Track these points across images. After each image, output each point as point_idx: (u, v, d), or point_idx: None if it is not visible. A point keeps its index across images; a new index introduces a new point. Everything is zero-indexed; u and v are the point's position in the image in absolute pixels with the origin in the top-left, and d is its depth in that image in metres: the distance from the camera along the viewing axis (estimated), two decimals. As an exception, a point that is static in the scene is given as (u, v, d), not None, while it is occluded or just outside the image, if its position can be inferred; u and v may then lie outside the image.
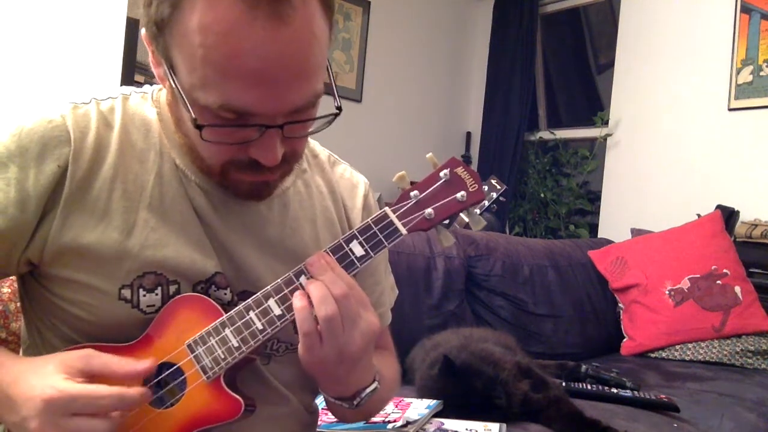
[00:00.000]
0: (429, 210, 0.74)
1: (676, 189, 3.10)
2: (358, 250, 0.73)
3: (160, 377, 0.74)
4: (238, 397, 0.73)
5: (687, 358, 2.22)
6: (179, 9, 0.62)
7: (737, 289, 2.28)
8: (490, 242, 2.23)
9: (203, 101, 0.64)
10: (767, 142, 2.83)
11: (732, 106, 2.94)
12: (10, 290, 1.18)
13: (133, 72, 2.73)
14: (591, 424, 1.33)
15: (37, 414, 0.63)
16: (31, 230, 0.72)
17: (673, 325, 2.26)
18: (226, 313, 0.73)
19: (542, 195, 3.74)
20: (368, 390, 0.78)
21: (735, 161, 2.92)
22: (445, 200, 0.74)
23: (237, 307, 0.73)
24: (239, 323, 0.73)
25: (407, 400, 1.35)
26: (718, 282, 2.29)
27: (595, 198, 3.61)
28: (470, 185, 0.74)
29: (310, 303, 0.70)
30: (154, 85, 0.83)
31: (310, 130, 0.73)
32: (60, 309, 0.75)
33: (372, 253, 0.73)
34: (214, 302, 0.75)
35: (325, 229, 0.88)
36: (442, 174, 0.74)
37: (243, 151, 0.69)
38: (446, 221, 0.76)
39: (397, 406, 1.31)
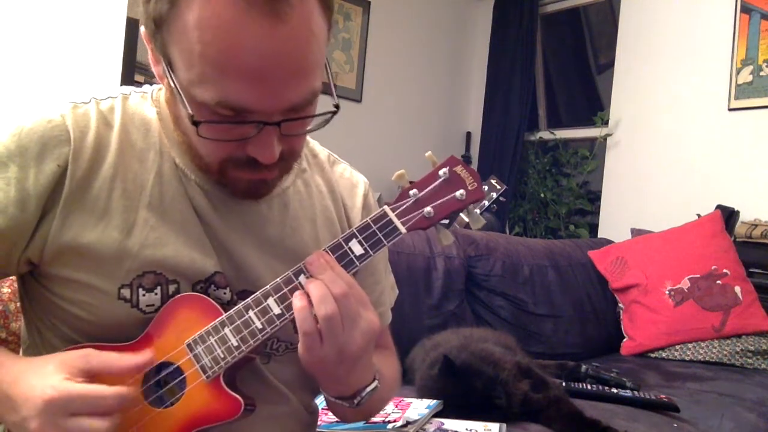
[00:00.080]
0: (428, 208, 0.73)
1: (676, 189, 3.10)
2: (357, 248, 0.73)
3: (159, 376, 0.74)
4: (237, 396, 0.73)
5: (687, 358, 2.22)
6: (177, 5, 0.63)
7: (737, 289, 2.28)
8: (490, 242, 2.23)
9: (200, 98, 0.64)
10: (767, 142, 2.83)
11: (732, 106, 2.94)
12: (10, 290, 1.18)
13: (133, 72, 2.73)
14: (591, 424, 1.33)
15: (37, 414, 0.63)
16: (31, 230, 0.72)
17: (673, 325, 2.26)
18: (226, 312, 0.73)
19: (542, 195, 3.74)
20: (368, 389, 0.78)
21: (735, 161, 2.92)
22: (445, 199, 0.74)
23: (236, 307, 0.73)
24: (238, 322, 0.72)
25: (407, 400, 1.35)
26: (718, 282, 2.29)
27: (595, 198, 3.60)
28: (469, 184, 0.74)
29: (310, 302, 0.70)
30: (154, 85, 0.83)
31: (308, 128, 0.73)
32: (60, 309, 0.75)
33: (371, 252, 0.73)
34: (213, 302, 0.75)
35: (324, 229, 0.88)
36: (441, 172, 0.74)
37: (241, 149, 0.69)
38: (446, 221, 0.76)
39: (397, 406, 1.31)
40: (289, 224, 0.84)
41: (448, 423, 1.28)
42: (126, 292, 0.73)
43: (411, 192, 0.74)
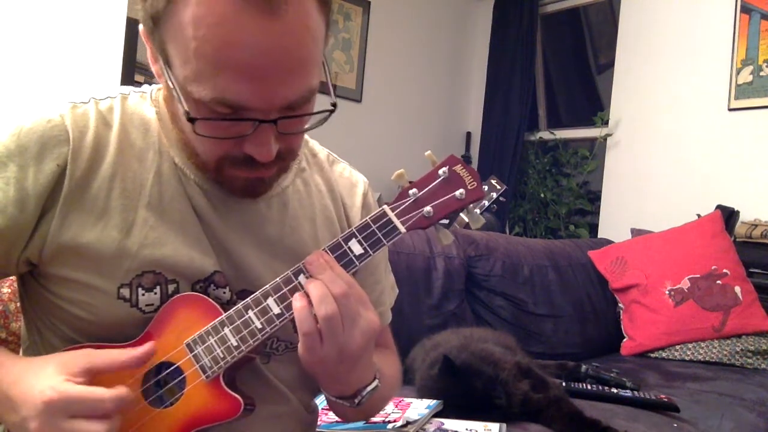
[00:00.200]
0: (428, 208, 0.73)
1: (676, 189, 3.10)
2: (356, 248, 0.73)
3: (159, 376, 0.74)
4: (237, 396, 0.73)
5: (687, 358, 2.22)
6: (173, 2, 0.63)
7: (737, 289, 2.28)
8: (490, 242, 2.23)
9: (196, 94, 0.64)
10: (767, 142, 2.83)
11: (732, 106, 2.93)
12: (10, 290, 1.18)
13: (133, 72, 2.73)
14: (591, 424, 1.33)
15: (37, 415, 0.63)
16: (30, 229, 0.72)
17: (673, 325, 2.26)
18: (225, 312, 0.73)
19: (542, 195, 3.74)
20: (369, 388, 0.78)
21: (735, 161, 2.91)
22: (444, 198, 0.74)
23: (236, 306, 0.73)
24: (238, 322, 0.72)
25: (407, 400, 1.35)
26: (718, 282, 2.29)
27: (595, 198, 3.60)
28: (469, 183, 0.74)
29: (310, 303, 0.70)
30: (153, 85, 0.83)
31: (305, 126, 0.72)
32: (59, 308, 0.75)
33: (371, 252, 0.73)
34: (213, 301, 0.75)
35: (324, 228, 0.88)
36: (440, 172, 0.74)
37: (237, 147, 0.69)
38: (446, 221, 0.76)
39: (397, 406, 1.31)
40: (289, 223, 0.84)
41: (448, 423, 1.28)
42: (125, 292, 0.73)
43: (410, 191, 0.74)
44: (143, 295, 0.74)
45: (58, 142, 0.72)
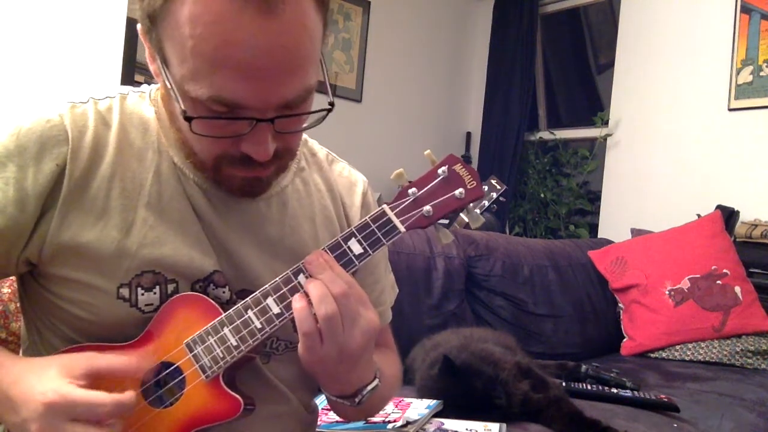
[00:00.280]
0: (427, 207, 0.73)
1: (676, 189, 3.10)
2: (356, 248, 0.73)
3: (159, 376, 0.74)
4: (237, 396, 0.73)
5: (687, 358, 2.22)
6: (170, 0, 0.63)
7: (737, 289, 2.28)
8: (490, 242, 2.23)
9: (193, 93, 0.64)
10: (767, 142, 2.83)
11: (732, 106, 2.93)
12: (10, 290, 1.18)
13: (133, 72, 2.73)
14: (591, 424, 1.33)
15: (38, 417, 0.63)
16: (29, 229, 0.72)
17: (673, 325, 2.26)
18: (225, 312, 0.73)
19: (542, 195, 3.74)
20: (369, 387, 0.78)
21: (735, 161, 2.91)
22: (444, 197, 0.73)
23: (235, 306, 0.73)
24: (238, 322, 0.72)
25: (407, 400, 1.35)
26: (718, 282, 2.29)
27: (595, 198, 3.60)
28: (468, 182, 0.74)
29: (309, 303, 0.70)
30: (152, 85, 0.83)
31: (303, 126, 0.72)
32: (59, 308, 0.75)
33: (370, 251, 0.73)
34: (212, 301, 0.75)
35: (323, 228, 0.88)
36: (440, 171, 0.74)
37: (235, 146, 0.69)
38: (446, 221, 0.76)
39: (397, 406, 1.31)
40: (288, 223, 0.84)
41: (448, 423, 1.28)
42: (125, 292, 0.73)
43: (410, 191, 0.74)
44: (143, 294, 0.74)
45: (57, 142, 0.72)
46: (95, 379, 0.67)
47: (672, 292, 2.31)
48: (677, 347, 2.25)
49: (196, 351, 0.73)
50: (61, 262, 0.73)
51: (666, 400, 1.59)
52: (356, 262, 0.73)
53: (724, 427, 1.58)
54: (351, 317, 0.70)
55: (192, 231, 0.77)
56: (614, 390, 1.64)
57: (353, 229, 0.74)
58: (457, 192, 0.73)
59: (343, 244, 0.73)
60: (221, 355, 0.72)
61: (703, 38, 3.06)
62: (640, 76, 3.32)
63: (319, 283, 0.70)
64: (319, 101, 0.71)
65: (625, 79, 3.40)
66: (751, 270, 2.43)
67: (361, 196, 0.94)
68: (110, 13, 2.52)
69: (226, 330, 0.72)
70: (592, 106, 3.82)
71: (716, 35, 3.00)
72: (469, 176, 0.74)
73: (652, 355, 2.28)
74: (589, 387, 1.64)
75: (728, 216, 2.70)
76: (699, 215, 2.67)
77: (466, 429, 1.25)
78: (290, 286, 0.72)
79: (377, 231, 0.73)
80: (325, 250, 0.73)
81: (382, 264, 0.97)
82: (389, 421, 1.20)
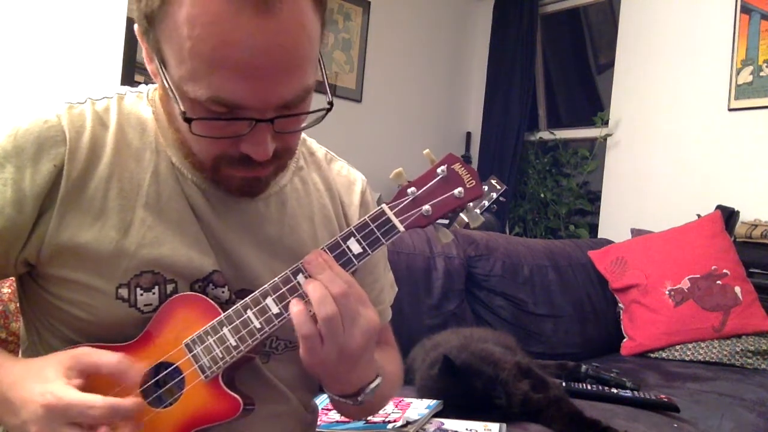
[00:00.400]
0: (426, 207, 0.73)
1: (676, 189, 3.09)
2: (355, 247, 0.73)
3: (158, 377, 0.74)
4: (236, 396, 0.73)
5: (687, 358, 2.22)
6: (167, 2, 0.63)
7: (737, 289, 2.28)
8: (490, 242, 2.23)
9: (192, 94, 0.64)
10: (767, 142, 2.83)
11: (732, 106, 2.93)
12: (10, 290, 1.18)
13: (133, 72, 2.73)
14: (591, 424, 1.33)
15: (36, 419, 0.63)
16: (28, 230, 0.72)
17: (673, 325, 2.26)
18: (224, 312, 0.73)
19: (542, 195, 3.74)
20: (371, 386, 0.78)
21: (735, 161, 2.91)
22: (443, 197, 0.73)
23: (234, 306, 0.73)
24: (237, 322, 0.72)
25: (407, 400, 1.35)
26: (718, 282, 2.29)
27: (595, 198, 3.60)
28: (468, 181, 0.74)
29: (307, 305, 0.69)
30: (150, 85, 0.83)
31: (302, 125, 0.72)
32: (58, 309, 0.75)
33: (369, 251, 0.73)
34: (212, 301, 0.75)
35: (322, 227, 0.88)
36: (439, 170, 0.74)
37: (234, 146, 0.69)
38: (446, 221, 0.76)
39: (397, 406, 1.31)
40: (287, 223, 0.84)
41: (448, 423, 1.28)
42: (124, 292, 0.73)
43: (409, 190, 0.74)
44: (142, 295, 0.74)
45: (54, 143, 0.72)
46: (96, 379, 0.67)
47: (672, 292, 2.31)
48: (677, 347, 2.25)
49: (195, 351, 0.73)
50: (60, 263, 0.73)
51: (666, 400, 1.59)
52: (355, 262, 0.73)
53: (724, 427, 1.58)
54: (351, 317, 0.70)
55: (191, 231, 0.77)
56: (614, 390, 1.64)
57: (352, 229, 0.73)
58: (456, 191, 0.73)
59: (342, 244, 0.73)
60: (220, 355, 0.72)
61: (703, 38, 3.06)
62: (640, 76, 3.32)
63: (318, 284, 0.70)
64: (318, 101, 0.71)
65: (625, 79, 3.40)
66: (751, 270, 2.42)
67: (359, 194, 0.94)
68: (110, 14, 2.52)
69: (225, 330, 0.72)
70: (592, 106, 3.82)
71: (716, 35, 3.00)
72: (469, 175, 0.74)
73: (652, 355, 2.28)
74: (589, 387, 1.64)
75: (728, 216, 2.70)
76: (699, 215, 2.67)
77: (466, 429, 1.25)
78: (289, 286, 0.72)
79: (376, 230, 0.73)
80: (324, 250, 0.73)
81: (381, 263, 0.97)
82: (389, 421, 1.20)
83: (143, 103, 0.80)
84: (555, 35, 4.12)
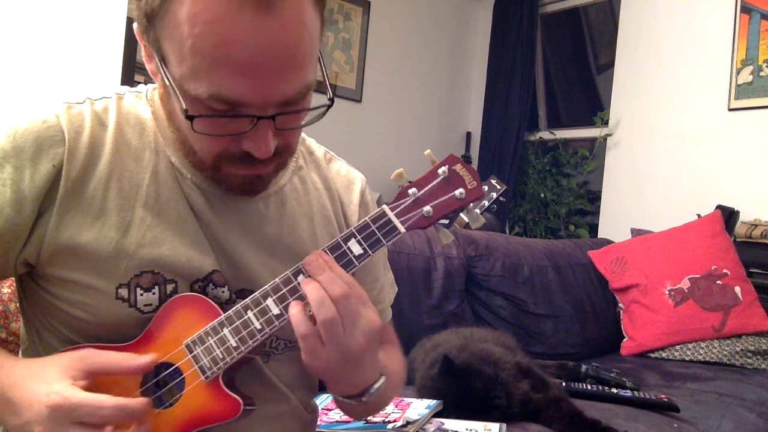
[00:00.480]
0: (427, 208, 0.73)
1: (676, 189, 3.10)
2: (356, 248, 0.73)
3: (158, 377, 0.73)
4: (236, 396, 0.73)
5: (687, 358, 2.22)
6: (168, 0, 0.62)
7: (737, 289, 2.28)
8: (490, 242, 2.23)
9: (193, 92, 0.64)
10: (767, 142, 2.83)
11: (732, 106, 2.93)
12: (10, 290, 1.18)
13: (133, 72, 2.73)
14: (591, 424, 1.33)
15: (41, 420, 0.63)
16: (27, 230, 0.72)
17: (673, 325, 2.26)
18: (225, 311, 0.73)
19: (542, 195, 3.74)
20: (376, 386, 0.78)
21: (735, 161, 2.91)
22: (444, 198, 0.73)
23: (235, 307, 0.73)
24: (237, 323, 0.72)
25: (407, 400, 1.35)
26: (718, 282, 2.29)
27: (595, 198, 3.60)
28: (469, 182, 0.74)
29: (307, 305, 0.69)
30: (148, 85, 0.83)
31: (303, 122, 0.72)
32: (58, 309, 0.75)
33: (370, 252, 0.73)
34: (212, 302, 0.75)
35: (321, 226, 0.88)
36: (440, 171, 0.74)
37: (235, 144, 0.69)
38: (446, 221, 0.76)
39: (397, 406, 1.31)
40: (287, 222, 0.84)
41: (448, 423, 1.28)
42: (124, 292, 0.73)
43: (410, 191, 0.74)
44: (142, 295, 0.74)
45: (53, 143, 0.72)
46: (96, 379, 0.67)
47: (672, 292, 2.31)
48: (677, 347, 2.25)
49: (195, 352, 0.73)
50: (60, 263, 0.73)
51: (666, 400, 1.59)
52: (356, 263, 0.73)
53: (724, 427, 1.58)
54: (352, 319, 0.70)
55: (190, 231, 0.77)
56: (614, 390, 1.64)
57: (353, 230, 0.73)
58: (457, 192, 0.73)
59: (343, 245, 0.73)
60: (221, 356, 0.72)
61: (703, 38, 3.06)
62: (640, 76, 3.32)
63: (316, 285, 0.69)
64: (318, 101, 0.71)
65: (625, 79, 3.40)
66: (751, 270, 2.43)
67: (359, 194, 0.94)
68: (110, 13, 2.52)
69: (225, 331, 0.72)
70: (592, 106, 3.82)
71: (716, 35, 3.00)
72: (470, 176, 0.74)
73: (652, 355, 2.28)
74: (589, 387, 1.64)
75: (728, 216, 2.70)
76: (699, 215, 2.67)
77: (466, 429, 1.25)
78: (290, 286, 0.72)
79: (377, 231, 0.73)
80: (325, 251, 0.73)
81: (381, 262, 0.97)
82: (389, 421, 1.20)
83: (142, 103, 0.80)
84: (555, 35, 4.12)
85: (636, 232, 2.75)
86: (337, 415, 1.23)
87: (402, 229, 0.73)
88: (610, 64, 3.52)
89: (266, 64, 0.63)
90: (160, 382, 0.74)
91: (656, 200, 3.17)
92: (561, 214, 3.64)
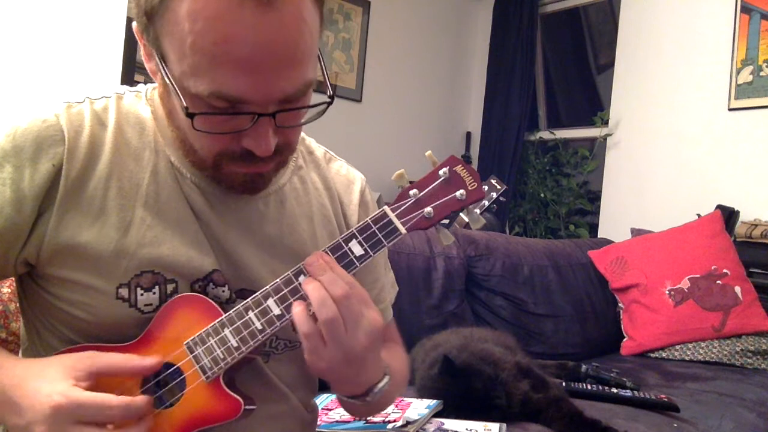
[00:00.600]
0: (428, 209, 0.73)
1: (676, 189, 3.10)
2: (357, 249, 0.73)
3: (159, 377, 0.74)
4: (237, 397, 0.73)
5: (687, 358, 2.22)
6: None
7: (737, 289, 2.28)
8: (490, 242, 2.23)
9: (194, 89, 0.64)
10: (767, 142, 2.83)
11: (732, 106, 2.93)
12: (10, 290, 1.18)
13: (133, 72, 2.73)
14: (591, 424, 1.33)
15: (44, 420, 0.63)
16: (27, 230, 0.72)
17: (673, 325, 2.26)
18: (225, 310, 0.73)
19: (542, 195, 3.74)
20: (380, 386, 0.78)
21: (735, 161, 2.92)
22: (445, 199, 0.73)
23: (236, 307, 0.73)
24: (238, 323, 0.72)
25: (407, 400, 1.35)
26: (718, 282, 2.29)
27: (595, 198, 3.60)
28: (469, 184, 0.74)
29: (309, 305, 0.69)
30: (148, 85, 0.83)
31: (303, 120, 0.72)
32: (58, 309, 0.75)
33: (371, 253, 0.73)
34: (213, 302, 0.75)
35: (321, 226, 0.88)
36: (441, 172, 0.74)
37: (236, 142, 0.69)
38: (446, 221, 0.76)
39: (397, 406, 1.31)
40: (286, 222, 0.84)
41: (448, 423, 1.28)
42: (124, 292, 0.73)
43: (411, 192, 0.74)
44: (142, 295, 0.74)
45: (53, 142, 0.72)
46: (97, 379, 0.67)
47: (672, 292, 2.31)
48: (677, 347, 2.25)
49: (196, 352, 0.73)
50: (60, 263, 0.72)
51: (666, 400, 1.59)
52: (357, 264, 0.73)
53: (724, 427, 1.58)
54: (353, 319, 0.70)
55: (190, 230, 0.77)
56: (614, 390, 1.64)
57: (354, 231, 0.73)
58: (458, 193, 0.73)
59: (344, 246, 0.73)
60: (222, 356, 0.72)
61: (703, 38, 3.06)
62: (640, 76, 3.32)
63: (317, 284, 0.69)
64: (318, 101, 0.71)
65: (625, 79, 3.40)
66: (751, 270, 2.43)
67: (359, 194, 0.94)
68: (110, 13, 2.52)
69: (226, 331, 0.72)
70: (592, 106, 3.82)
71: (716, 35, 3.00)
72: (470, 177, 0.74)
73: (652, 355, 2.28)
74: (589, 387, 1.64)
75: (728, 216, 2.70)
76: (699, 215, 2.67)
77: (466, 429, 1.25)
78: (291, 287, 0.72)
79: (378, 232, 0.73)
80: (326, 251, 0.73)
81: (381, 263, 0.97)
82: (389, 421, 1.20)
83: (142, 103, 0.80)
84: (555, 35, 4.12)
85: (636, 232, 2.75)
86: (337, 415, 1.23)
87: (403, 230, 0.73)
88: (610, 64, 3.52)
89: (267, 61, 0.63)
90: (160, 382, 0.74)
91: (656, 200, 3.17)
92: (561, 214, 3.64)
